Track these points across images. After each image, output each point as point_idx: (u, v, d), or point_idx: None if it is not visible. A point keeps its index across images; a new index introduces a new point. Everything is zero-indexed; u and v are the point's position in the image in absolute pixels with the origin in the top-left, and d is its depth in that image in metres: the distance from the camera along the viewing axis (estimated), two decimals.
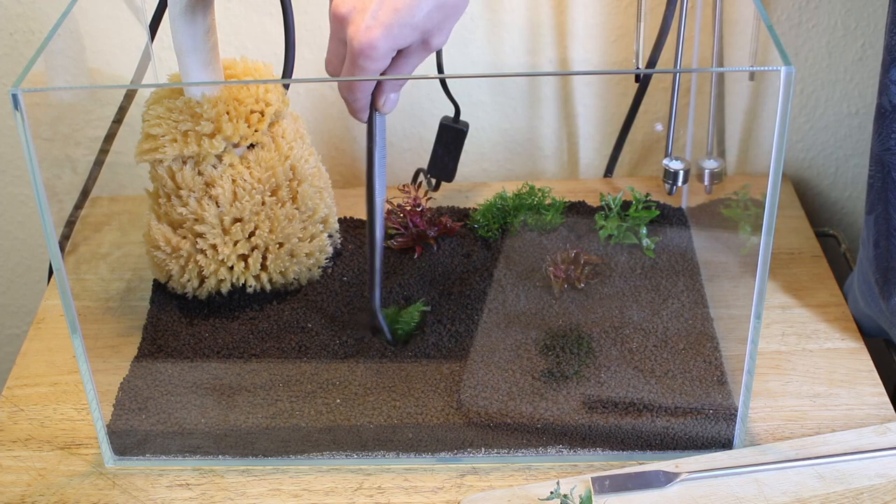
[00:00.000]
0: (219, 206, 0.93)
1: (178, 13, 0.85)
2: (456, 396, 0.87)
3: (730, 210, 1.08)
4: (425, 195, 1.06)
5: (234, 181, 0.92)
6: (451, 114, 1.12)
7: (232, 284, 0.96)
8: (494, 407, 0.86)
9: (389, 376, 0.89)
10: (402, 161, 1.22)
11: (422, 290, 0.98)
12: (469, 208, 1.10)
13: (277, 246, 0.96)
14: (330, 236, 1.03)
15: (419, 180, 1.15)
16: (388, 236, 1.04)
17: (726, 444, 0.85)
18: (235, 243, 0.94)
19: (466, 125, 1.12)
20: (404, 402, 0.87)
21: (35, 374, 0.92)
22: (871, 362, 0.94)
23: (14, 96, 0.71)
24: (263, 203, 0.94)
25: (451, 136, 1.12)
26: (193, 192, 0.92)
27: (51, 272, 1.08)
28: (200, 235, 0.94)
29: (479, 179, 1.24)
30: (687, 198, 1.10)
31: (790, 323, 0.99)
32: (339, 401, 0.87)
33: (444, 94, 1.11)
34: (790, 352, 0.96)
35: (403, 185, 1.06)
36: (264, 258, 0.95)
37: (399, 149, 1.22)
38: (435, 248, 1.03)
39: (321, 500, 0.83)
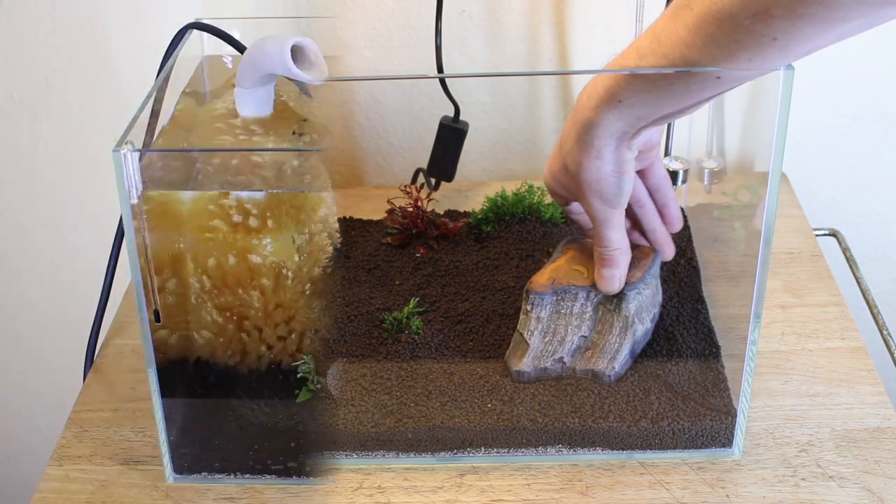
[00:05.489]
0: (263, 295, 0.93)
1: (243, 89, 0.87)
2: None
3: (722, 212, 1.09)
4: (427, 196, 1.06)
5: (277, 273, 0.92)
6: (451, 114, 1.13)
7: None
8: (491, 405, 0.87)
9: (390, 376, 0.90)
10: (402, 161, 1.23)
11: (422, 291, 0.98)
12: (466, 211, 1.10)
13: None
14: (329, 236, 1.03)
15: (419, 180, 1.15)
16: (387, 234, 1.05)
17: (726, 443, 0.85)
18: (276, 326, 0.93)
19: (466, 125, 1.12)
20: (404, 401, 0.88)
21: (97, 401, 0.97)
22: (870, 361, 0.94)
23: (118, 155, 0.74)
24: (304, 292, 0.93)
25: (451, 136, 1.13)
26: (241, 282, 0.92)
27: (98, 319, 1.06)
28: (246, 318, 0.93)
29: (479, 179, 1.24)
30: (687, 197, 1.10)
31: (790, 322, 0.99)
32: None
33: (444, 93, 1.12)
34: (790, 351, 0.96)
35: (405, 186, 1.06)
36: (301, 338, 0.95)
37: (399, 149, 1.23)
38: (435, 248, 1.03)
39: (322, 500, 0.84)
